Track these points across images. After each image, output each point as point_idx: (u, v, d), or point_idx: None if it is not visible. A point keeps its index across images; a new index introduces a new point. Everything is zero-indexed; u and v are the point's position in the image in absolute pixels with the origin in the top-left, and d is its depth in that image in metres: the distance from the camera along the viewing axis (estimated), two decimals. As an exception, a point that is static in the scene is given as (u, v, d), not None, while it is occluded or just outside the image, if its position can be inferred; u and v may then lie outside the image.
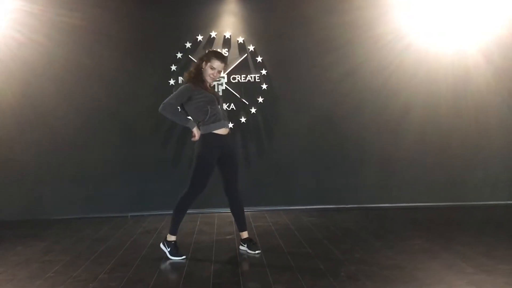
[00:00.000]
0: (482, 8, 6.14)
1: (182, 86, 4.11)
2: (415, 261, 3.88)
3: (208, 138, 4.08)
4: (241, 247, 4.32)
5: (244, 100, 6.11)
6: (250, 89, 6.12)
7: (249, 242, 4.30)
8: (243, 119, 6.11)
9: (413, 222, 5.38)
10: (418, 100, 6.17)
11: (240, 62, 6.09)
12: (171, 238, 4.18)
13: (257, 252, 4.21)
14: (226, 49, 6.09)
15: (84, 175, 5.99)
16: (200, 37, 6.06)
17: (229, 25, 6.11)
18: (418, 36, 6.14)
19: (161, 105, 4.02)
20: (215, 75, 4.12)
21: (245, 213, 5.92)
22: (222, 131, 4.12)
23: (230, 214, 5.87)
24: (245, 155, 6.16)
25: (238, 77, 6.11)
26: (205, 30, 6.08)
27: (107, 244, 4.69)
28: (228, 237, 4.86)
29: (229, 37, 6.10)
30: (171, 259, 4.11)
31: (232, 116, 6.09)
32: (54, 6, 5.87)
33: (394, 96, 6.16)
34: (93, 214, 5.92)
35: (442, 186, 6.18)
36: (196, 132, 4.04)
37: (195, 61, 5.95)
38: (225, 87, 6.09)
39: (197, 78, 4.11)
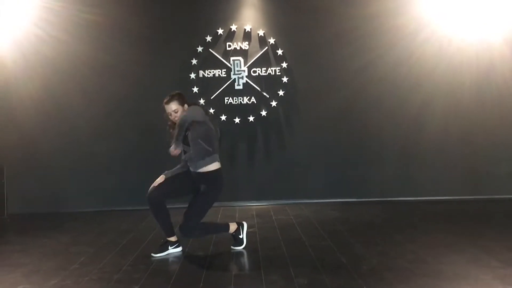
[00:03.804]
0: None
1: None
2: (439, 255, 3.84)
3: None
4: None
5: (264, 94, 6.10)
6: (270, 82, 6.11)
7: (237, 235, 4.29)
8: (263, 113, 6.11)
9: (436, 215, 5.31)
10: (440, 91, 6.08)
11: (260, 55, 6.08)
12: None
13: (240, 247, 4.21)
14: (247, 42, 6.08)
15: (107, 168, 6.07)
16: (220, 31, 6.07)
17: (249, 18, 6.10)
18: (440, 26, 6.05)
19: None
20: (173, 116, 4.07)
21: (266, 206, 5.99)
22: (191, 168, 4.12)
23: (251, 207, 5.97)
24: (265, 148, 6.17)
25: (258, 70, 6.10)
26: (225, 24, 6.08)
27: (130, 236, 4.75)
28: (249, 230, 4.84)
29: (249, 30, 6.09)
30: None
31: (252, 109, 6.11)
32: (74, 3, 5.95)
33: (415, 87, 6.08)
34: (116, 207, 6.00)
35: (466, 179, 6.09)
36: None
37: (217, 55, 6.05)
38: (246, 80, 6.09)
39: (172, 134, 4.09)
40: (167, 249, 4.13)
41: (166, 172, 4.16)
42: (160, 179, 4.12)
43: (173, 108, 4.06)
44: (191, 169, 4.11)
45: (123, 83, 6.03)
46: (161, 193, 4.05)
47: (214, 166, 4.08)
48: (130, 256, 4.07)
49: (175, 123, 4.08)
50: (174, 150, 3.96)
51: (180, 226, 4.03)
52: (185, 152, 4.09)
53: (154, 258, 4.01)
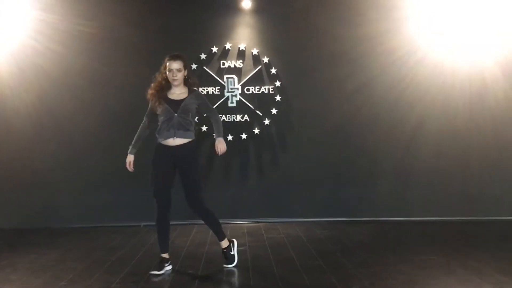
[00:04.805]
0: (499, 19, 6.09)
1: None
2: (430, 276, 3.83)
3: (156, 148, 4.19)
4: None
5: (258, 112, 6.13)
6: (264, 101, 6.13)
7: (223, 254, 4.25)
8: (256, 131, 6.12)
9: (428, 236, 5.31)
10: (433, 113, 6.12)
11: (254, 73, 6.12)
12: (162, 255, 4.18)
13: (231, 265, 4.17)
14: (241, 61, 6.12)
15: (98, 183, 6.03)
16: (215, 49, 6.11)
17: (244, 37, 6.15)
18: (433, 49, 6.11)
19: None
20: (175, 74, 4.05)
21: (258, 224, 5.96)
22: (169, 142, 4.08)
23: (242, 225, 5.94)
24: (258, 166, 6.17)
25: (252, 88, 6.13)
26: (220, 42, 6.12)
27: (120, 253, 4.71)
28: (240, 248, 4.82)
29: (243, 49, 6.13)
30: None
31: (245, 127, 6.12)
32: (71, 15, 5.96)
33: (408, 109, 6.12)
34: (106, 223, 5.95)
35: (458, 200, 6.10)
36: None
37: (211, 73, 6.08)
38: (239, 98, 6.11)
39: (160, 90, 4.11)
40: (165, 266, 4.08)
41: (130, 150, 4.28)
42: (130, 159, 4.27)
43: (178, 66, 4.06)
44: (168, 142, 4.05)
45: (120, 96, 6.00)
46: (168, 192, 4.13)
47: (193, 136, 4.14)
48: (120, 273, 4.03)
49: (163, 83, 4.08)
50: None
51: (189, 203, 4.10)
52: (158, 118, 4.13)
53: (155, 276, 3.94)
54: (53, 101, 6.00)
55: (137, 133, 4.29)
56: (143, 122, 4.27)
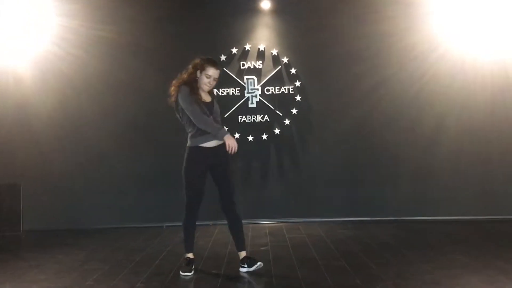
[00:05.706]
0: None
1: (183, 92, 3.90)
2: (455, 276, 3.79)
3: (192, 152, 4.01)
4: (241, 269, 4.06)
5: (278, 112, 6.14)
6: (284, 101, 6.14)
7: (247, 260, 4.06)
8: (277, 131, 6.13)
9: (451, 236, 5.25)
10: (454, 111, 6.05)
11: (274, 74, 6.13)
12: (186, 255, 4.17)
13: (258, 264, 4.02)
14: (261, 61, 6.14)
15: (121, 185, 6.11)
16: (234, 50, 6.14)
17: (263, 38, 6.17)
18: (453, 45, 6.05)
19: (197, 121, 3.91)
20: (211, 83, 3.99)
21: (279, 224, 5.96)
22: (212, 143, 3.98)
23: (264, 225, 5.96)
24: (279, 166, 6.18)
25: (272, 89, 6.14)
26: (239, 43, 6.15)
27: (144, 253, 4.76)
28: (262, 248, 4.86)
29: (263, 50, 6.15)
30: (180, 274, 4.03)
31: (266, 127, 6.13)
32: (91, 21, 6.06)
33: (428, 107, 6.07)
34: (129, 224, 6.03)
35: (481, 199, 6.02)
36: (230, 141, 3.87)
37: (231, 74, 6.10)
38: (259, 99, 6.13)
39: (192, 86, 3.94)
40: (193, 266, 4.10)
41: (226, 129, 3.97)
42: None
43: (218, 76, 4.03)
44: (207, 144, 3.95)
45: (139, 101, 6.09)
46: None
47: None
48: (144, 273, 4.08)
49: (193, 85, 3.94)
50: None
51: (224, 206, 4.07)
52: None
53: (187, 277, 3.96)
54: (74, 106, 6.09)
55: (210, 121, 3.90)
56: (203, 115, 3.89)
